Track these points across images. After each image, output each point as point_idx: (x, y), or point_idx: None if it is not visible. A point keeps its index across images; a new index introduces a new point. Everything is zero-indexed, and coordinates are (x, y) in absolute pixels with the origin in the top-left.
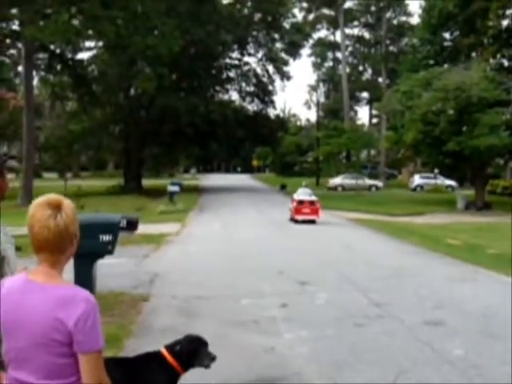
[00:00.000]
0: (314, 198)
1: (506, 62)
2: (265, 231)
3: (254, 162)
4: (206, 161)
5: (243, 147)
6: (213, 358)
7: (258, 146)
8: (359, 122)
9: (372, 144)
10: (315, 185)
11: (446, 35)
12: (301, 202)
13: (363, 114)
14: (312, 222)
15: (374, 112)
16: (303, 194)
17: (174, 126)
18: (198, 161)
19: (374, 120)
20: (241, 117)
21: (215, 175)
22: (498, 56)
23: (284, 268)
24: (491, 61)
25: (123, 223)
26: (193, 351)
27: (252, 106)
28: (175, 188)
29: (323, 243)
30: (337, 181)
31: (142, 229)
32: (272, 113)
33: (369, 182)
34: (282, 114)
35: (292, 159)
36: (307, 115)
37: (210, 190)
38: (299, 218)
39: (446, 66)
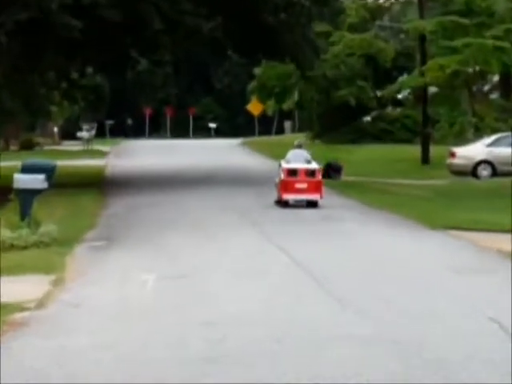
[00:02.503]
0: (314, 165)
1: None
2: (289, 299)
3: (253, 107)
4: (119, 104)
5: (217, 64)
6: None
7: (256, 59)
8: None
9: None
10: (420, 162)
11: None
12: (293, 172)
13: None
14: (312, 204)
15: None
16: (296, 158)
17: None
18: (97, 103)
19: None
20: None
21: (152, 142)
22: None
23: None
24: None
25: None
26: None
27: None
28: (34, 180)
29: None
30: (475, 151)
31: None
32: None
33: None
34: None
35: (350, 95)
36: None
37: (135, 183)
38: (290, 197)
39: None
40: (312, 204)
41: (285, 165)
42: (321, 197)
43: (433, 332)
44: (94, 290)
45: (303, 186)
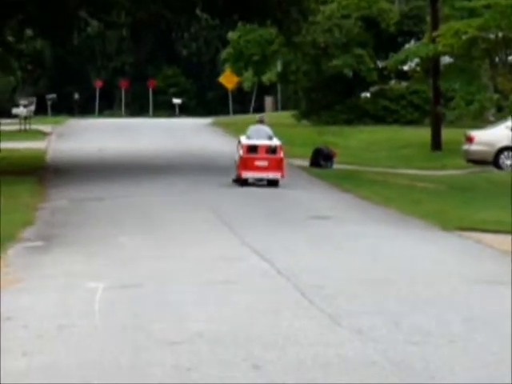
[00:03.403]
0: (275, 141)
1: None
2: None
3: (226, 79)
4: (63, 74)
5: (183, 27)
6: None
7: (230, 21)
8: None
9: None
10: (430, 147)
11: None
12: (253, 149)
13: None
14: (273, 183)
15: None
16: (257, 134)
17: None
18: (37, 74)
19: None
20: None
21: (104, 121)
22: None
23: None
24: None
25: None
26: None
27: None
28: None
29: None
30: (498, 135)
31: None
32: None
33: None
34: None
35: (346, 65)
36: None
37: (81, 172)
38: (249, 175)
39: None
40: (273, 183)
41: (244, 141)
42: (282, 176)
43: (446, 355)
44: (29, 300)
45: (264, 163)
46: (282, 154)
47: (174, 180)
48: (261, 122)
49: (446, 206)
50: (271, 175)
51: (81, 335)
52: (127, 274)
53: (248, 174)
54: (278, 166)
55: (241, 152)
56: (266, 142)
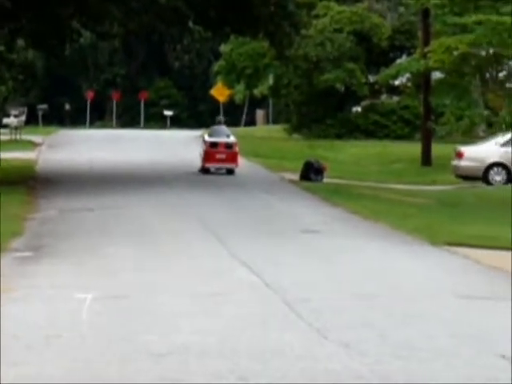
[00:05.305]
0: (232, 139)
1: None
2: None
3: (218, 92)
4: (54, 85)
5: (175, 39)
6: None
7: (223, 34)
8: None
9: None
10: (420, 162)
11: None
12: (214, 145)
13: None
14: (230, 172)
15: None
16: (218, 133)
17: None
18: (29, 84)
19: None
20: None
21: (94, 133)
22: None
23: None
24: None
25: None
26: None
27: None
28: None
29: None
30: (487, 151)
31: None
32: None
33: None
34: None
35: (337, 80)
36: None
37: (71, 182)
38: (211, 166)
39: None
40: (230, 172)
41: (207, 138)
42: (236, 165)
43: (431, 369)
44: (17, 310)
45: (222, 156)
46: (237, 149)
47: (164, 191)
48: (219, 123)
49: (435, 221)
50: (228, 165)
51: (68, 346)
52: (116, 284)
53: (210, 165)
54: (233, 158)
55: (204, 147)
56: (225, 139)
